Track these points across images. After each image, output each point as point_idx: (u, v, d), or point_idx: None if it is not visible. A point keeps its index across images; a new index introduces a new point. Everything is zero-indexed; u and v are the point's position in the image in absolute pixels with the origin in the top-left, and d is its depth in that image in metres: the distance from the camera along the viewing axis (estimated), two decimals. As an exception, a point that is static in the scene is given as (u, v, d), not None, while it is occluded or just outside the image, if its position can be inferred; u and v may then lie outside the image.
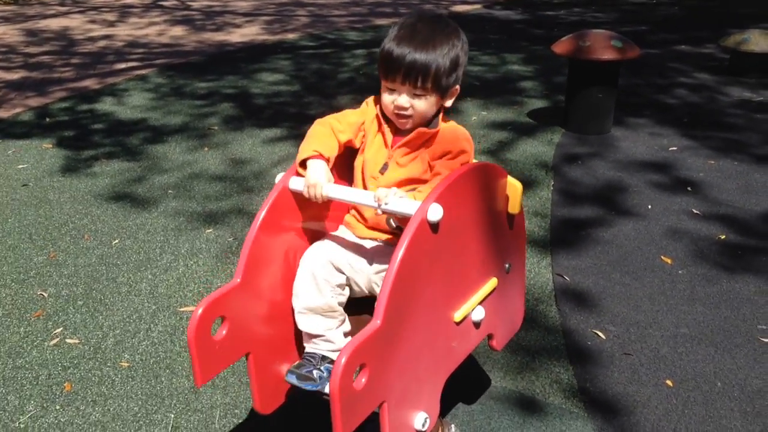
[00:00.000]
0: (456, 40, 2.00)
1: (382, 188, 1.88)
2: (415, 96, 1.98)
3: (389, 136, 2.07)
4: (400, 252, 1.68)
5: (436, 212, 1.74)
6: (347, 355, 1.55)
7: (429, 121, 2.05)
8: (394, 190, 1.87)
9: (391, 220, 2.07)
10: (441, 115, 2.08)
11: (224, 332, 1.87)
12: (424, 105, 1.99)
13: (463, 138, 2.06)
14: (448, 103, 2.06)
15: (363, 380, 1.62)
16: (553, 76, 7.09)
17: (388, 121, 2.08)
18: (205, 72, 7.47)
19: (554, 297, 3.22)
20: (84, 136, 5.50)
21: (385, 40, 1.99)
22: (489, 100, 6.33)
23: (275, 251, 2.01)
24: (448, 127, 2.07)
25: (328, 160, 2.01)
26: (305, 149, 2.01)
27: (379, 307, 1.65)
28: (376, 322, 1.64)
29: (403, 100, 1.98)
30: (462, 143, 2.04)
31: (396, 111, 2.01)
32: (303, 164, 2.01)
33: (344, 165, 2.15)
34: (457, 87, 2.06)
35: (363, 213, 2.14)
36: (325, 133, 2.06)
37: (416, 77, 1.94)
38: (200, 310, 1.79)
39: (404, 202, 1.83)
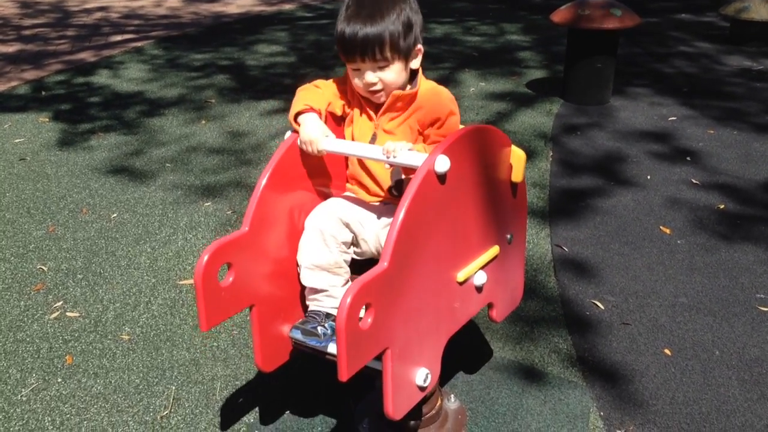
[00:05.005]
0: (402, 3, 2.00)
1: (391, 141, 1.89)
2: (379, 69, 1.99)
3: (371, 112, 2.10)
4: (407, 199, 1.70)
5: (443, 163, 1.76)
6: (354, 293, 1.57)
7: (404, 87, 2.06)
8: (403, 143, 1.88)
9: (393, 189, 2.08)
10: (419, 76, 2.09)
11: (230, 279, 1.88)
12: (391, 75, 2.00)
13: (448, 99, 2.08)
14: (415, 64, 2.07)
15: (369, 320, 1.64)
16: (552, 46, 7.04)
17: (367, 99, 2.11)
18: (201, 44, 7.42)
19: (553, 267, 3.23)
20: (80, 110, 5.47)
21: (337, 22, 2.01)
22: (487, 70, 6.29)
23: (282, 206, 2.02)
24: (429, 89, 2.08)
25: (319, 113, 2.04)
26: (296, 106, 2.05)
27: (387, 250, 1.68)
28: (383, 264, 1.66)
29: (369, 76, 1.99)
30: (448, 105, 2.06)
31: (367, 89, 2.03)
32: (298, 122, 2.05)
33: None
34: (419, 47, 2.06)
35: (365, 183, 2.15)
36: (313, 91, 2.11)
37: (373, 50, 1.95)
38: (207, 255, 1.80)
39: (412, 154, 1.85)
